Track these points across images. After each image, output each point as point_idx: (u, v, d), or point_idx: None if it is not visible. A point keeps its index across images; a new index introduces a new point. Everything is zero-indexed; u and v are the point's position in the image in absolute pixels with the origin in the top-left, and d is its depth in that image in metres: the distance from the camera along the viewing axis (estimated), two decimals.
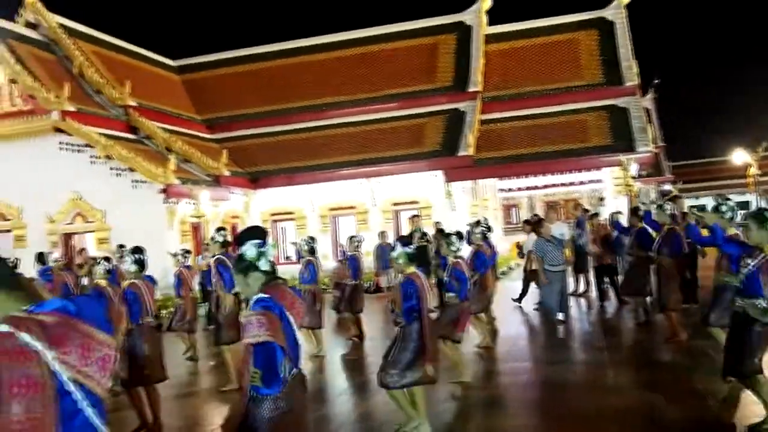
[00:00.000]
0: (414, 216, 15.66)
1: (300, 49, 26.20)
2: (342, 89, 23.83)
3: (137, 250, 7.40)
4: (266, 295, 3.51)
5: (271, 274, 3.65)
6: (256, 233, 3.76)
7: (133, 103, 20.84)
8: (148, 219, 17.70)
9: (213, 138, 24.26)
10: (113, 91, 20.79)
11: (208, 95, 25.71)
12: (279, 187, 21.67)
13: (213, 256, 9.19)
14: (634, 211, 10.90)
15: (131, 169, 18.03)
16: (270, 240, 3.73)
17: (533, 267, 12.08)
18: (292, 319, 3.54)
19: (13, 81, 19.25)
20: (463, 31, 24.43)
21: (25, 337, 1.79)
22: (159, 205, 17.92)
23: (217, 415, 7.67)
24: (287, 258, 22.05)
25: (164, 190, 17.71)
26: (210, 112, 25.15)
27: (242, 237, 3.76)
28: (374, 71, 24.07)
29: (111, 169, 18.29)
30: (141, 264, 7.40)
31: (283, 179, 21.46)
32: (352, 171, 20.87)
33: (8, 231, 19.65)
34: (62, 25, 22.15)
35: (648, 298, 10.21)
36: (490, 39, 24.47)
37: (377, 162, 20.69)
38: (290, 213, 22.00)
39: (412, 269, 5.76)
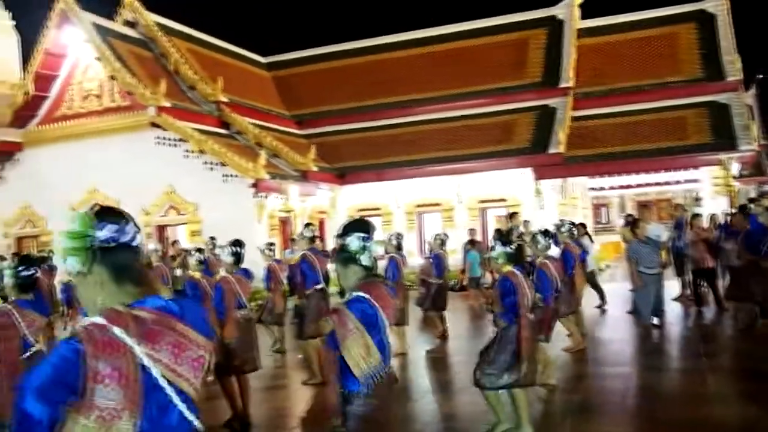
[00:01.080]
0: (512, 213, 15.47)
1: (388, 45, 26.32)
2: (430, 85, 23.80)
3: (236, 243, 7.59)
4: (365, 295, 3.53)
5: (370, 270, 3.65)
6: (363, 226, 3.75)
7: (225, 99, 21.39)
8: (238, 212, 18.15)
9: (301, 134, 24.66)
10: (206, 87, 21.40)
11: (297, 91, 26.15)
12: (365, 183, 21.79)
13: (300, 251, 9.37)
14: (741, 209, 10.44)
15: (223, 164, 18.50)
16: (375, 236, 3.72)
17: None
18: (384, 319, 3.55)
19: (112, 78, 20.09)
20: (555, 26, 23.99)
21: (117, 330, 1.83)
22: (249, 199, 18.34)
23: (300, 407, 7.87)
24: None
25: (254, 185, 18.11)
26: (299, 108, 25.56)
27: (348, 228, 3.75)
28: (463, 67, 23.92)
29: (204, 163, 18.84)
30: (238, 257, 7.57)
31: (370, 175, 21.60)
32: (438, 168, 20.82)
33: None
34: (159, 24, 22.97)
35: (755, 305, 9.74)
36: (582, 33, 23.94)
37: (464, 159, 20.56)
38: (376, 209, 22.12)
39: (509, 268, 5.67)
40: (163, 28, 22.95)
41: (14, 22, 31.16)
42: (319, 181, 20.82)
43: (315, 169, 20.32)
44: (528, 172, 20.26)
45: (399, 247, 10.35)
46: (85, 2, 20.80)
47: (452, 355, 9.73)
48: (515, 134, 21.08)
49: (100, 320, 1.84)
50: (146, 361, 1.84)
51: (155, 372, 1.85)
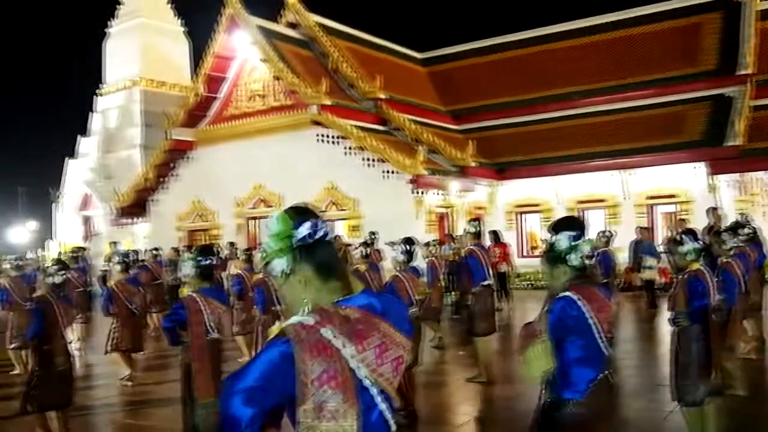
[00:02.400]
0: (680, 219, 15.14)
1: (547, 36, 26.31)
2: (592, 77, 23.59)
3: (408, 241, 8.02)
4: (573, 296, 3.48)
5: (580, 271, 3.57)
6: (573, 224, 3.68)
7: (383, 96, 22.25)
8: (397, 208, 18.86)
9: (458, 129, 25.18)
10: (365, 84, 22.35)
11: (453, 86, 26.68)
12: (525, 179, 21.89)
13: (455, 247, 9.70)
14: None
15: (382, 160, 19.32)
16: (587, 235, 3.63)
17: None
18: (596, 322, 3.48)
19: (277, 78, 21.49)
20: (731, 9, 22.98)
21: (328, 332, 1.90)
22: (407, 194, 19.05)
23: (465, 404, 8.20)
24: (532, 249, 22.37)
25: (413, 181, 18.74)
26: (455, 103, 26.10)
27: (558, 226, 3.70)
28: (627, 57, 23.53)
29: (363, 159, 19.78)
30: (410, 255, 8.01)
31: (530, 170, 21.75)
32: (602, 162, 20.63)
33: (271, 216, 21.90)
34: (319, 24, 24.24)
35: None
36: (763, 15, 22.71)
37: (630, 153, 20.26)
38: (536, 205, 22.26)
39: (697, 265, 5.51)
40: (323, 28, 24.24)
41: (185, 29, 33.88)
42: (477, 176, 21.21)
43: (473, 164, 20.75)
44: (701, 167, 19.61)
45: (609, 243, 10.82)
46: (251, 6, 22.39)
47: (623, 359, 9.66)
48: (687, 126, 20.46)
49: (308, 320, 1.92)
50: (353, 363, 1.91)
51: (361, 373, 1.93)
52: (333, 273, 2.06)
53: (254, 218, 22.87)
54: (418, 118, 23.07)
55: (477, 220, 9.71)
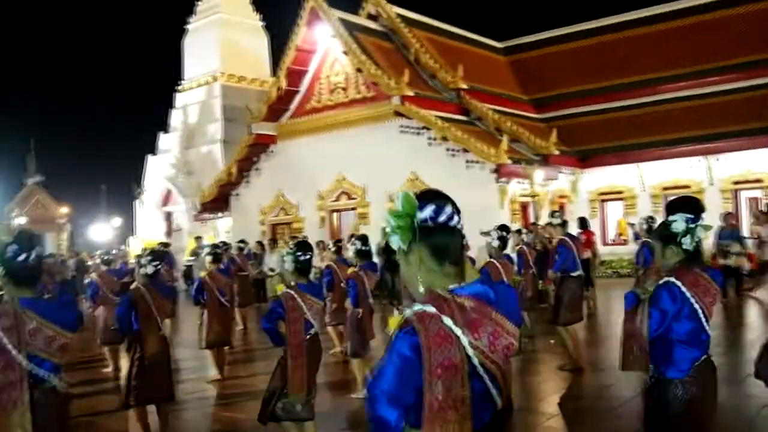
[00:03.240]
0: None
1: (629, 22, 26.64)
2: (676, 62, 23.87)
3: (503, 228, 8.55)
4: (676, 281, 3.62)
5: (692, 255, 3.70)
6: (691, 206, 3.77)
7: (464, 86, 22.98)
8: (481, 198, 19.47)
9: (540, 117, 25.76)
10: (446, 75, 23.10)
11: (534, 74, 27.22)
12: (608, 166, 22.30)
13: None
14: None
15: (465, 150, 20.01)
16: (703, 218, 3.74)
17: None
18: (701, 306, 3.62)
19: (359, 70, 22.42)
20: None
21: (448, 321, 2.03)
22: (491, 184, 19.74)
23: (557, 393, 8.52)
24: (613, 240, 22.77)
25: (497, 170, 19.35)
26: (536, 92, 26.66)
27: (674, 206, 3.81)
28: (711, 41, 23.70)
29: (446, 150, 20.55)
30: (504, 243, 8.53)
31: (613, 158, 22.20)
32: (687, 148, 21.07)
33: (353, 209, 22.89)
34: (399, 15, 25.08)
35: None
36: None
37: (715, 138, 20.62)
38: (619, 192, 22.79)
39: None
40: (403, 19, 25.07)
41: (263, 23, 35.13)
42: (560, 164, 21.71)
43: (556, 152, 21.23)
44: None
45: (651, 231, 10.51)
46: None
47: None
48: None
49: (430, 309, 2.05)
50: (469, 351, 2.04)
51: (476, 360, 2.05)
52: (448, 258, 2.19)
53: (337, 211, 23.89)
54: (500, 108, 23.70)
55: (560, 210, 10.09)
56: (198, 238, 22.90)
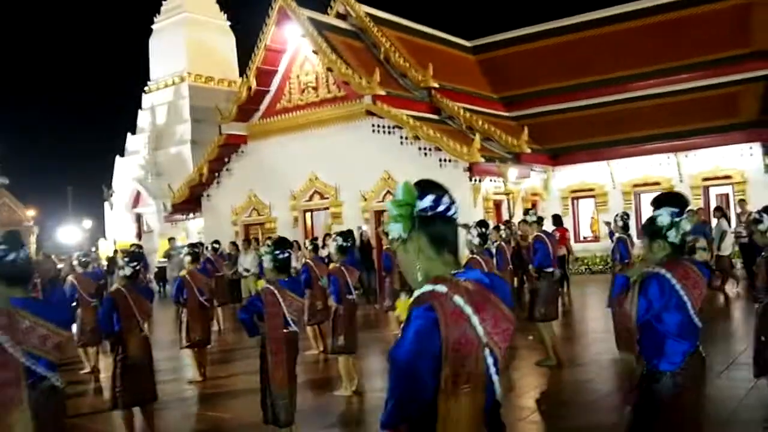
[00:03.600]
0: (741, 200, 15.57)
1: (596, 21, 27.05)
2: (643, 60, 24.24)
3: (482, 223, 8.70)
4: (665, 273, 3.70)
5: (678, 248, 3.80)
6: (676, 201, 3.88)
7: (435, 85, 23.07)
8: (454, 196, 19.46)
9: (510, 116, 26.01)
10: (417, 74, 23.18)
11: (503, 73, 27.48)
12: (579, 164, 22.59)
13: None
14: None
15: (437, 149, 20.12)
16: (687, 213, 3.84)
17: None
18: (690, 298, 3.71)
19: (329, 70, 22.44)
20: None
21: (459, 300, 2.09)
22: (464, 182, 19.82)
23: (536, 388, 8.61)
24: (584, 238, 23.08)
25: (470, 168, 19.48)
26: (506, 90, 26.91)
27: (660, 201, 3.92)
28: (678, 39, 24.11)
29: (419, 149, 20.60)
30: (484, 238, 8.68)
31: (584, 155, 22.50)
32: (656, 145, 21.40)
33: (326, 208, 22.92)
34: (368, 14, 25.16)
35: None
36: None
37: (684, 135, 21.02)
38: (590, 189, 23.10)
39: None
40: (372, 18, 25.14)
41: (230, 23, 34.99)
42: (532, 162, 21.89)
43: (528, 151, 21.43)
44: (757, 147, 20.27)
45: (626, 228, 10.87)
46: None
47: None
48: (741, 107, 21.08)
49: (441, 289, 2.11)
50: (480, 330, 2.10)
51: (484, 340, 2.11)
52: (447, 247, 2.28)
53: (310, 210, 23.85)
54: (471, 106, 23.84)
55: (533, 207, 10.27)
56: (171, 239, 22.82)
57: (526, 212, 10.51)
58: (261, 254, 6.74)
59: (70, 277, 12.18)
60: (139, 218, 32.94)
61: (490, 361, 2.12)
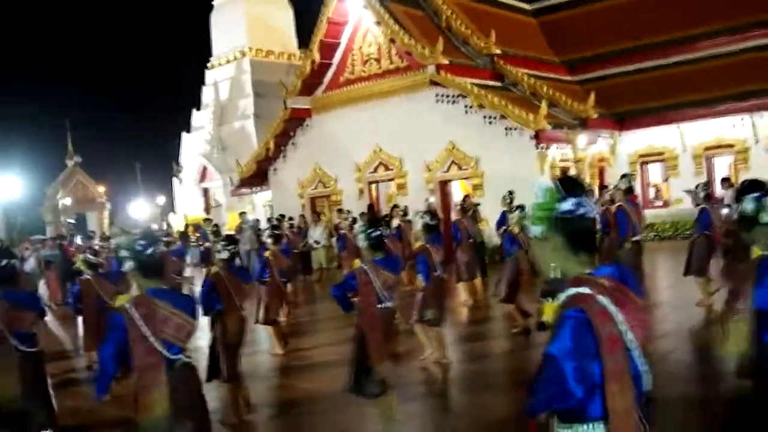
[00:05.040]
0: None
1: None
2: (712, 18, 23.47)
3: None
4: None
5: None
6: (755, 186, 3.96)
7: (498, 52, 22.90)
8: (519, 165, 19.62)
9: (574, 80, 25.71)
10: (479, 41, 23.07)
11: (566, 36, 27.07)
12: (647, 128, 22.30)
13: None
14: None
15: (503, 117, 20.09)
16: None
17: None
18: None
19: (392, 41, 22.53)
20: None
21: (603, 299, 2.23)
22: (530, 150, 19.81)
23: None
24: (651, 202, 22.85)
25: (536, 136, 19.45)
26: (569, 54, 26.58)
27: (740, 193, 4.01)
28: None
29: (484, 117, 20.61)
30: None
31: (652, 119, 22.22)
32: (729, 106, 20.90)
33: (391, 180, 23.20)
34: None
35: None
36: None
37: (759, 95, 20.43)
38: (660, 154, 22.79)
39: None
40: None
41: None
42: (599, 128, 21.67)
43: (595, 116, 21.21)
44: None
45: (707, 198, 10.72)
46: None
47: None
48: None
49: (586, 290, 2.26)
50: (623, 327, 2.24)
51: (627, 336, 2.26)
52: (583, 247, 2.41)
53: (375, 182, 24.15)
54: (534, 72, 23.67)
55: (629, 174, 10.30)
56: (242, 214, 23.36)
57: (622, 177, 10.48)
58: (356, 233, 6.86)
59: None
60: (206, 192, 33.80)
61: (635, 353, 2.28)
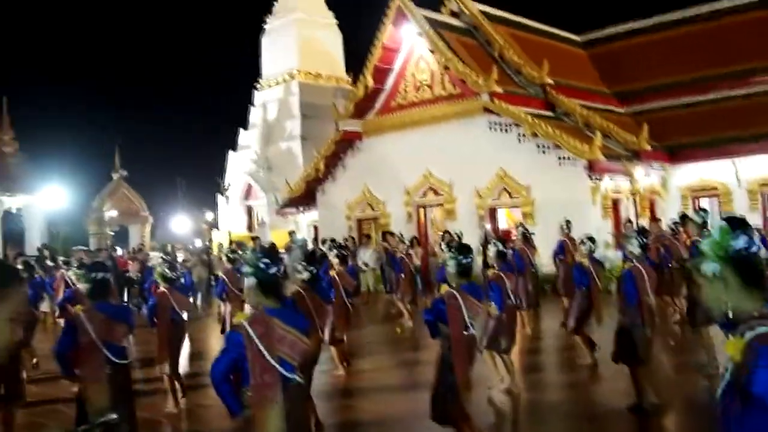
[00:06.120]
0: None
1: (719, 11, 26.06)
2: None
3: (642, 231, 8.59)
4: None
5: None
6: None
7: (550, 82, 22.89)
8: (571, 194, 19.56)
9: (625, 111, 25.53)
10: (531, 71, 23.09)
11: (617, 68, 27.05)
12: (700, 162, 22.02)
13: None
14: None
15: (556, 146, 20.03)
16: None
17: None
18: None
19: (446, 68, 22.64)
20: None
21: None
22: (582, 180, 19.72)
23: None
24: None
25: (590, 166, 19.34)
26: (620, 85, 26.50)
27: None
28: None
29: (536, 146, 20.60)
30: (644, 248, 8.32)
31: (705, 152, 21.96)
32: None
33: (440, 205, 23.20)
34: (482, 11, 25.14)
35: None
36: None
37: None
38: (713, 188, 22.34)
39: None
40: (485, 15, 25.09)
41: (337, 21, 35.69)
42: (651, 160, 21.48)
43: (648, 148, 21.05)
44: None
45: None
46: None
47: None
48: None
49: (766, 330, 2.26)
50: None
51: None
52: (758, 283, 2.40)
53: (424, 206, 24.15)
54: (586, 102, 23.60)
55: (705, 210, 10.07)
56: (291, 233, 23.49)
57: (696, 211, 10.31)
58: (445, 260, 6.72)
59: (220, 273, 12.75)
60: (249, 211, 34.05)
61: None
